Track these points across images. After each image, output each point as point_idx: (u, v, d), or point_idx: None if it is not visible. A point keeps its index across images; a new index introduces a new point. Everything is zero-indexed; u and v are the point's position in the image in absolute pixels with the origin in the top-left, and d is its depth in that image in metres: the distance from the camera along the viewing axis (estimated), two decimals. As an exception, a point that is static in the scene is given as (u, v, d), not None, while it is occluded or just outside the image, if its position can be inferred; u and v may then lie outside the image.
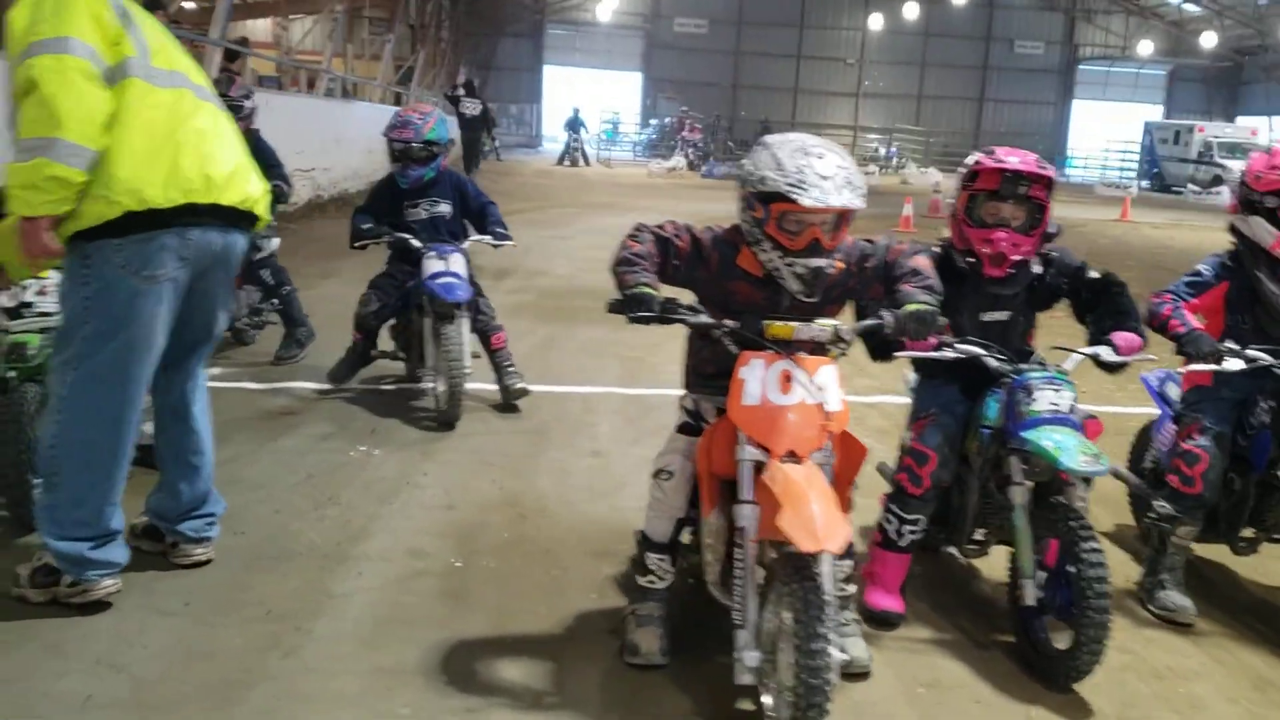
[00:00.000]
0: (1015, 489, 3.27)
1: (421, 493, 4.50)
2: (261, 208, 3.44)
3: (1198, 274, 3.83)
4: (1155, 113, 49.20)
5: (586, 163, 32.13)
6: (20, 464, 3.65)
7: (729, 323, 2.94)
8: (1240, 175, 3.82)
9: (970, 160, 3.58)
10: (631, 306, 2.90)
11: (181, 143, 3.15)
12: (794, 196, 2.81)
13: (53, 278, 3.82)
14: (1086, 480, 3.27)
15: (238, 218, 3.37)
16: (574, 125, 31.94)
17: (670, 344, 7.64)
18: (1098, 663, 3.06)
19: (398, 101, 23.53)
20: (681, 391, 3.33)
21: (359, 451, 4.99)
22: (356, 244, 5.73)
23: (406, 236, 5.64)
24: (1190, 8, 47.11)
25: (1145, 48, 47.69)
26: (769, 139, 3.02)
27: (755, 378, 2.87)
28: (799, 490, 2.67)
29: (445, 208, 5.87)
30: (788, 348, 2.90)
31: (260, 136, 6.52)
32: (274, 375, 6.27)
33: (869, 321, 2.99)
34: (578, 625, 3.42)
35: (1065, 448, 3.11)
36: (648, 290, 2.91)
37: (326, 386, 5.99)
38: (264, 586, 3.54)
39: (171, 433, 3.59)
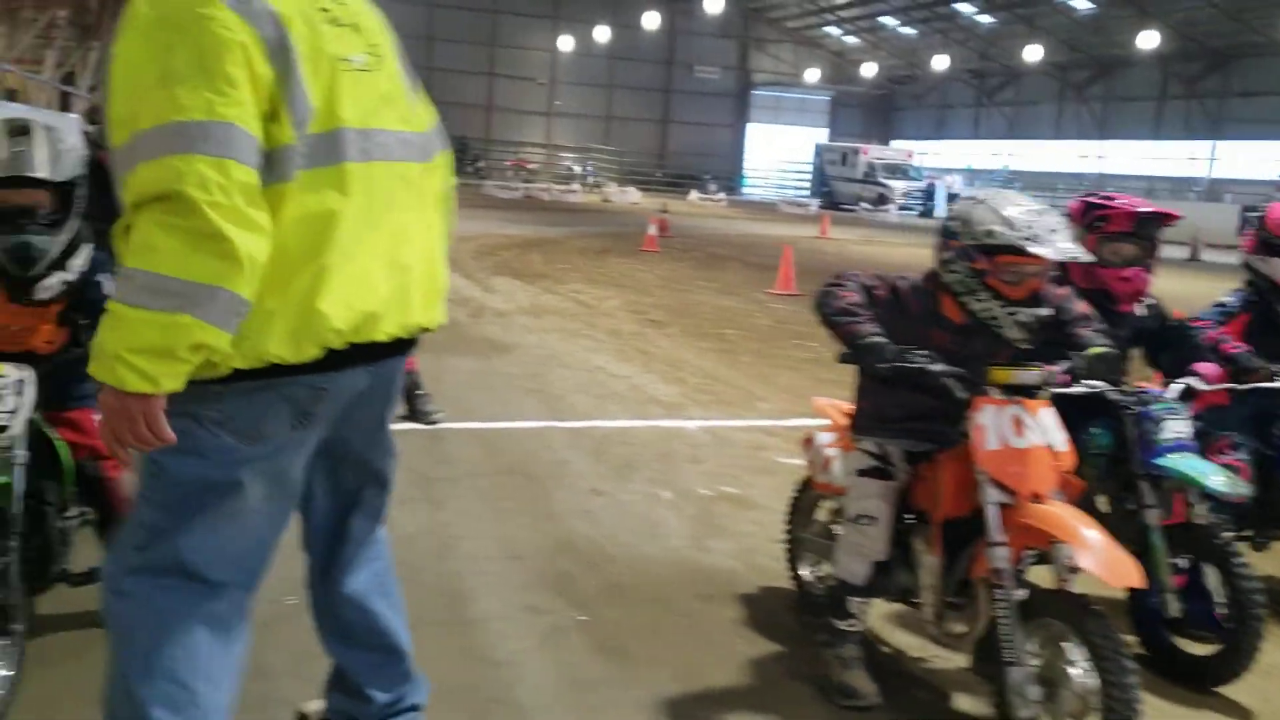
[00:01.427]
0: (1150, 512, 3.58)
1: (471, 544, 4.28)
2: (440, 313, 2.37)
3: (1224, 305, 4.33)
4: (821, 135, 53.38)
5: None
6: None
7: (960, 370, 3.07)
8: (1259, 220, 4.36)
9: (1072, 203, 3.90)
10: (868, 356, 2.99)
11: (330, 267, 2.03)
12: (1031, 250, 2.99)
13: (8, 375, 2.85)
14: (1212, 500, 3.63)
15: (405, 344, 2.30)
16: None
17: (558, 372, 7.76)
18: (1250, 666, 3.41)
19: (65, 106, 21.64)
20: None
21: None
22: None
23: None
24: (851, 40, 51.49)
25: (812, 75, 51.65)
26: (978, 194, 3.18)
27: (992, 423, 3.01)
28: (1076, 529, 2.85)
29: None
30: (1009, 393, 3.08)
31: None
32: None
33: (1065, 364, 3.21)
34: (757, 673, 3.39)
35: (1204, 472, 3.46)
36: (881, 340, 3.01)
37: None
38: (421, 658, 3.29)
39: (338, 616, 2.60)
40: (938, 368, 3.04)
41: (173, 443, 1.96)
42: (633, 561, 4.24)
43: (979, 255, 3.09)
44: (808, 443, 3.70)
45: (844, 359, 3.04)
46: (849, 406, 3.73)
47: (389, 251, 2.15)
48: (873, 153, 44.78)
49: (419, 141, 2.31)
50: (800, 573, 3.89)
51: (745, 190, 52.32)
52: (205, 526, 2.11)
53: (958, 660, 3.47)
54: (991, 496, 2.98)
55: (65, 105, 17.42)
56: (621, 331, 9.96)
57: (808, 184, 50.16)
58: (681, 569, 4.18)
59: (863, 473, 3.31)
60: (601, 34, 46.14)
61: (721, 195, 42.77)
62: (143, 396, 1.91)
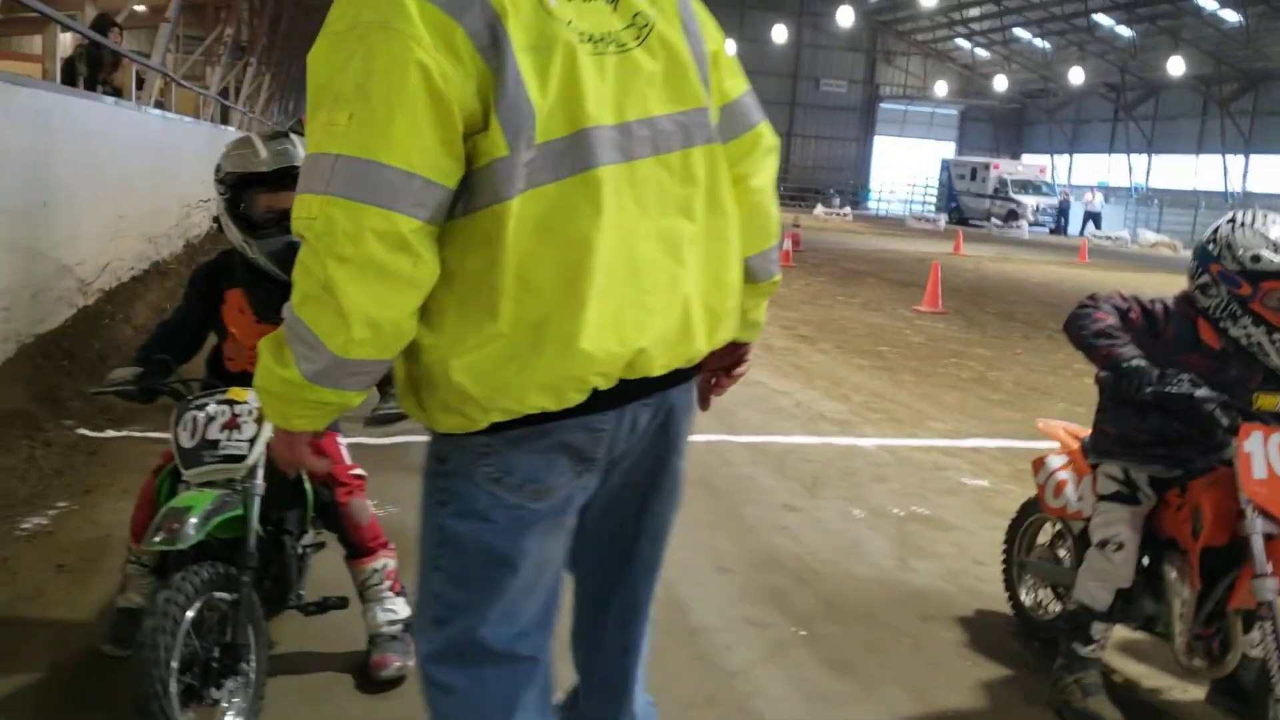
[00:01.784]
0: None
1: (677, 554, 4.33)
2: (726, 330, 1.94)
3: None
4: (949, 149, 52.49)
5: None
6: (155, 695, 2.35)
7: (1225, 396, 3.00)
8: None
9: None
10: (1132, 380, 2.95)
11: (588, 299, 1.66)
12: None
13: (249, 402, 2.76)
14: None
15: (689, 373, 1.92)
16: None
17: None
18: None
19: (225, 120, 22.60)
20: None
21: (564, 514, 4.78)
22: None
23: None
24: (982, 52, 50.53)
25: (941, 88, 50.84)
26: (1237, 216, 3.11)
27: (1259, 451, 2.94)
28: None
29: None
30: (1278, 420, 3.00)
31: None
32: (382, 430, 5.91)
33: None
34: (990, 697, 3.36)
35: None
36: (1144, 364, 2.96)
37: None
38: (653, 668, 3.35)
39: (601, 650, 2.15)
40: (1204, 393, 2.98)
41: (321, 470, 1.97)
42: (841, 579, 4.24)
43: (1243, 280, 3.02)
44: (1038, 466, 3.65)
45: (1105, 383, 3.00)
46: (1077, 429, 3.68)
47: (661, 268, 1.75)
48: (1004, 167, 43.87)
49: (700, 120, 1.81)
50: (1020, 597, 3.84)
51: (869, 205, 51.79)
52: (504, 602, 1.83)
53: (1194, 692, 3.40)
54: (1258, 526, 2.91)
55: (225, 119, 18.22)
56: (774, 346, 9.94)
57: (933, 199, 49.43)
58: (892, 589, 4.17)
59: (1108, 498, 3.26)
60: (729, 48, 46.12)
61: (846, 210, 42.37)
62: (287, 432, 1.82)
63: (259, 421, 2.72)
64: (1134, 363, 2.96)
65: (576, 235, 1.66)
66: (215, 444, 2.72)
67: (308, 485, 2.96)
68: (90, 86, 8.99)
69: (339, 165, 1.58)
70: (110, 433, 5.43)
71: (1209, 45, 40.15)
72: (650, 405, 1.86)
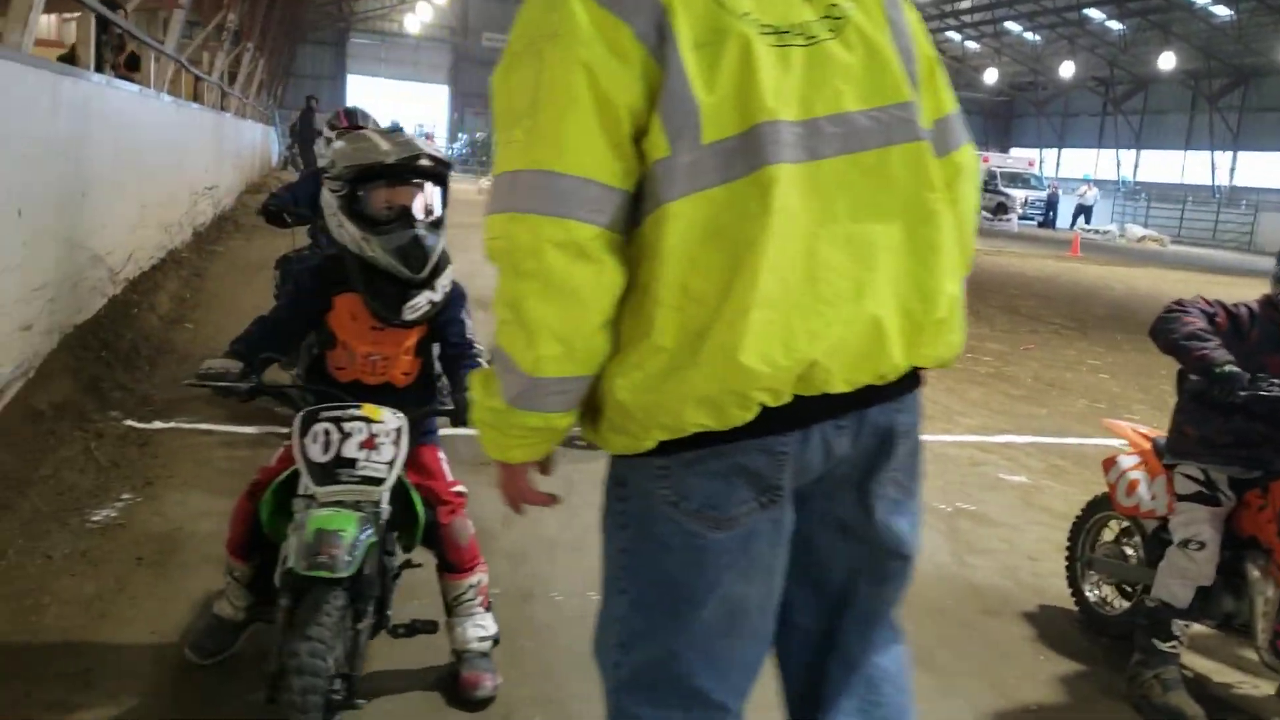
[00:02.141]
0: None
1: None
2: (945, 345, 1.76)
3: None
4: (938, 142, 52.40)
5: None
6: None
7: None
8: None
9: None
10: (1225, 384, 3.02)
11: (750, 308, 1.54)
12: None
13: (386, 421, 2.69)
14: None
15: (899, 388, 1.74)
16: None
17: None
18: None
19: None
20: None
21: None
22: None
23: None
24: (972, 45, 50.68)
25: (931, 82, 50.78)
26: None
27: (1345, 452, 3.02)
28: None
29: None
30: None
31: None
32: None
33: None
34: (1069, 690, 3.44)
35: None
36: (1236, 368, 3.03)
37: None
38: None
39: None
40: None
41: (547, 504, 1.81)
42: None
43: None
44: (1109, 465, 3.72)
45: (1189, 385, 3.07)
46: (1146, 429, 3.76)
47: (845, 274, 1.60)
48: (993, 161, 44.00)
49: (903, 116, 1.68)
50: (1085, 593, 3.91)
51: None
52: (690, 636, 1.71)
53: (1265, 688, 3.48)
54: (1344, 528, 2.99)
55: (224, 105, 18.18)
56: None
57: (923, 191, 49.54)
58: (953, 584, 4.23)
59: (1188, 498, 3.33)
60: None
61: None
62: (505, 464, 1.77)
63: (396, 444, 2.66)
64: (1227, 368, 3.03)
65: (743, 238, 1.55)
66: (353, 463, 2.59)
67: (419, 507, 2.82)
68: (99, 70, 8.93)
69: (517, 180, 1.57)
70: (157, 424, 5.44)
71: (1199, 40, 40.38)
72: (846, 427, 1.68)
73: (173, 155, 10.51)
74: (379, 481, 2.60)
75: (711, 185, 1.56)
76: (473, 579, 3.05)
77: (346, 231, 2.82)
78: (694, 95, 1.55)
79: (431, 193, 2.83)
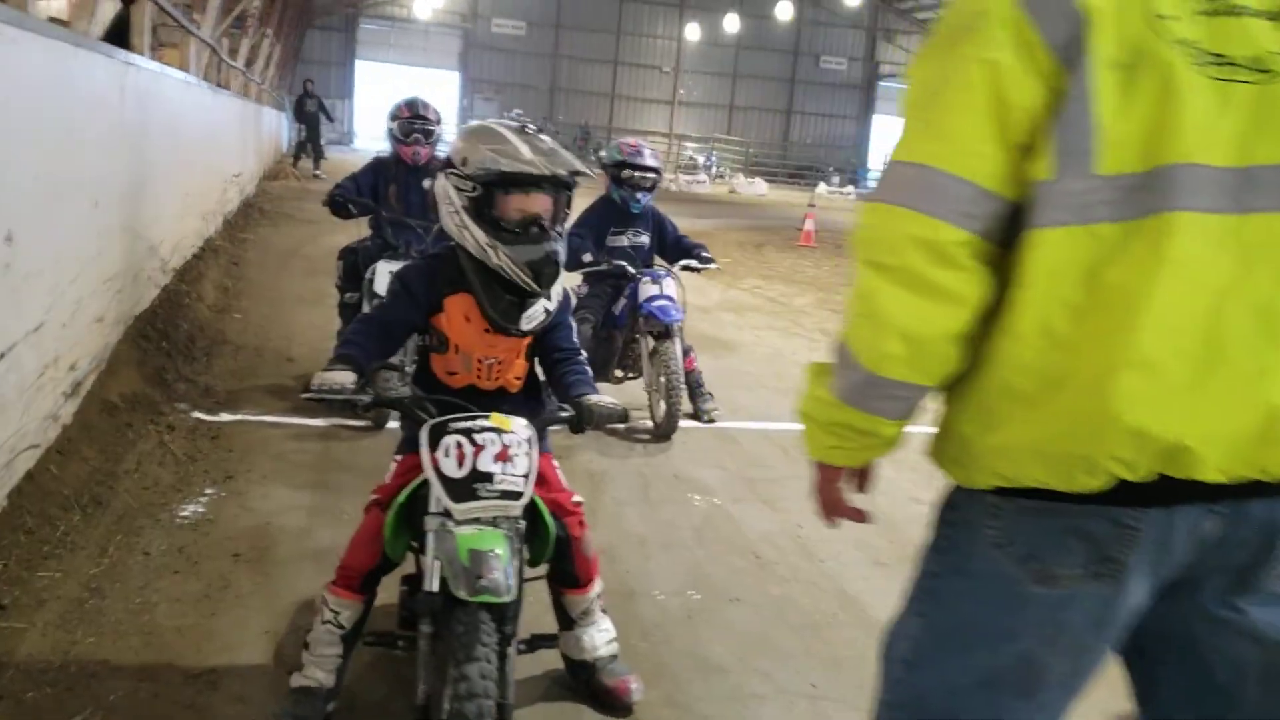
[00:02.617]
0: None
1: (830, 546, 4.34)
2: None
3: None
4: (948, 130, 52.29)
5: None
6: None
7: None
8: None
9: None
10: None
11: (1120, 367, 1.39)
12: None
13: (517, 431, 2.54)
14: None
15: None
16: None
17: (795, 371, 7.62)
18: None
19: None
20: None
21: (700, 500, 4.79)
22: (581, 271, 5.90)
23: (623, 264, 5.86)
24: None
25: (941, 68, 50.64)
26: None
27: None
28: None
29: (645, 239, 6.12)
30: None
31: None
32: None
33: None
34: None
35: None
36: None
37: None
38: (855, 661, 3.38)
39: None
40: None
41: (858, 519, 1.74)
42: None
43: None
44: None
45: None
46: None
47: (1250, 350, 1.40)
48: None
49: None
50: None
51: (869, 184, 51.80)
52: (974, 680, 1.59)
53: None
54: None
55: (246, 90, 18.14)
56: (831, 331, 9.97)
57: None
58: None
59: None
60: (731, 23, 45.93)
61: (849, 189, 42.39)
62: (822, 465, 1.72)
63: (529, 455, 2.51)
64: None
65: (1127, 287, 1.39)
66: (489, 477, 2.43)
67: (549, 520, 2.65)
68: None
69: (897, 171, 1.52)
70: (224, 416, 5.42)
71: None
72: (1221, 514, 1.47)
73: (209, 143, 10.46)
74: (517, 496, 2.46)
75: (1099, 220, 1.41)
76: (596, 588, 2.99)
77: (470, 234, 2.66)
78: (1097, 119, 1.41)
79: (561, 201, 2.72)
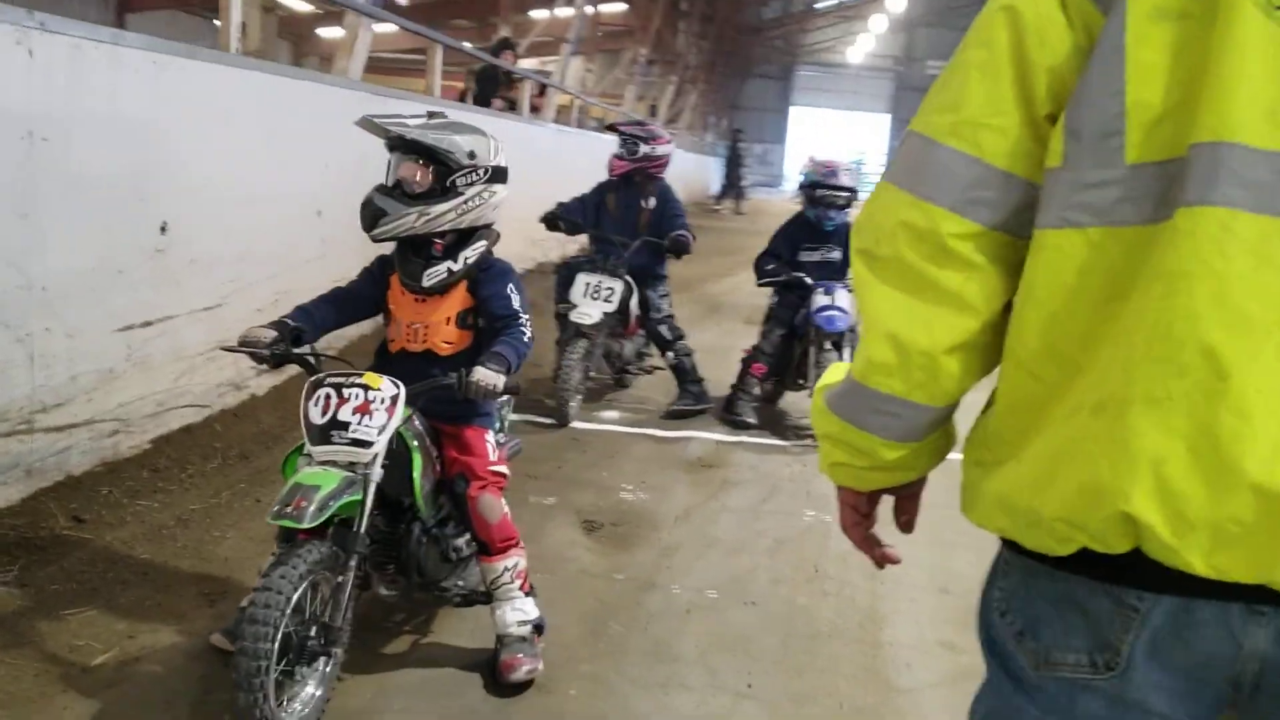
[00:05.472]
0: None
1: (902, 570, 4.15)
2: None
3: None
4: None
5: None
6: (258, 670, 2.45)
7: None
8: None
9: None
10: None
11: (1118, 403, 1.06)
12: None
13: (383, 390, 2.78)
14: None
15: None
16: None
17: None
18: None
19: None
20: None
21: (810, 516, 4.71)
22: (762, 283, 6.25)
23: (801, 275, 6.05)
24: None
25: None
26: None
27: None
28: None
29: (838, 254, 6.18)
30: None
31: (668, 186, 6.50)
32: (672, 424, 6.14)
33: None
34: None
35: None
36: None
37: (732, 438, 5.85)
38: (816, 672, 3.28)
39: None
40: None
41: (878, 560, 1.49)
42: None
43: None
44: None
45: None
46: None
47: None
48: None
49: None
50: None
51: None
52: None
53: None
54: None
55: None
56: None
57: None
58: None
59: None
60: None
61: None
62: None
63: (389, 410, 2.76)
64: None
65: (1134, 309, 1.07)
66: (346, 426, 2.71)
67: (416, 473, 2.93)
68: (484, 103, 9.98)
69: (904, 145, 1.27)
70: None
71: None
72: (1267, 615, 1.08)
73: (545, 177, 11.47)
74: (368, 444, 2.71)
75: (1125, 223, 1.09)
76: (507, 561, 3.12)
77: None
78: (1125, 89, 1.08)
79: (419, 167, 3.01)
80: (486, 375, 2.86)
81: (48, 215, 3.65)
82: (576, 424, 5.90)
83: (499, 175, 3.11)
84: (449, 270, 3.07)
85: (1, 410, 3.56)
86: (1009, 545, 1.22)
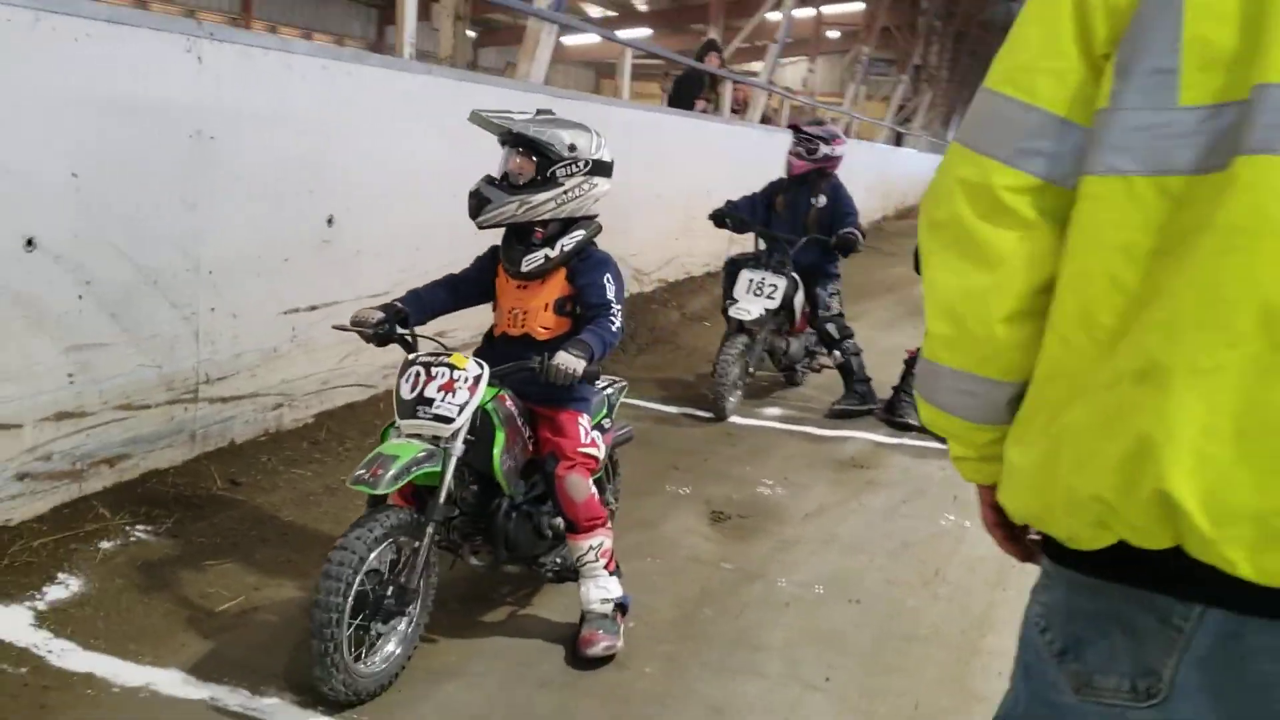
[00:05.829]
0: None
1: (1024, 577, 4.00)
2: None
3: None
4: None
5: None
6: (331, 621, 2.66)
7: None
8: None
9: None
10: None
11: (1176, 372, 0.95)
12: None
13: (468, 370, 2.99)
14: None
15: None
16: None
17: None
18: None
19: (898, 143, 23.49)
20: None
21: (948, 520, 4.60)
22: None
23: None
24: None
25: None
26: None
27: None
28: None
29: None
30: None
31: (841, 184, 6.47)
32: (833, 423, 6.10)
33: None
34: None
35: None
36: None
37: (892, 440, 5.75)
38: (901, 673, 3.23)
39: None
40: None
41: (1017, 558, 1.42)
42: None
43: None
44: None
45: None
46: None
47: None
48: None
49: None
50: None
51: None
52: None
53: None
54: None
55: (899, 142, 19.48)
56: None
57: None
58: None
59: None
60: None
61: None
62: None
63: (471, 389, 2.95)
64: None
65: (1190, 267, 0.96)
66: (430, 401, 2.93)
67: (497, 451, 3.05)
68: (688, 105, 10.16)
69: (976, 105, 1.21)
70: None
71: None
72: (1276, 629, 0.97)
73: (738, 176, 11.52)
74: (449, 420, 2.92)
75: (1173, 171, 1.00)
76: (592, 540, 3.22)
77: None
78: (1181, 24, 0.99)
79: (523, 158, 3.15)
80: (567, 360, 2.97)
81: (213, 206, 4.03)
82: (734, 419, 5.95)
83: (600, 169, 3.23)
84: (546, 256, 3.20)
85: (169, 379, 3.97)
86: (1050, 554, 1.15)
